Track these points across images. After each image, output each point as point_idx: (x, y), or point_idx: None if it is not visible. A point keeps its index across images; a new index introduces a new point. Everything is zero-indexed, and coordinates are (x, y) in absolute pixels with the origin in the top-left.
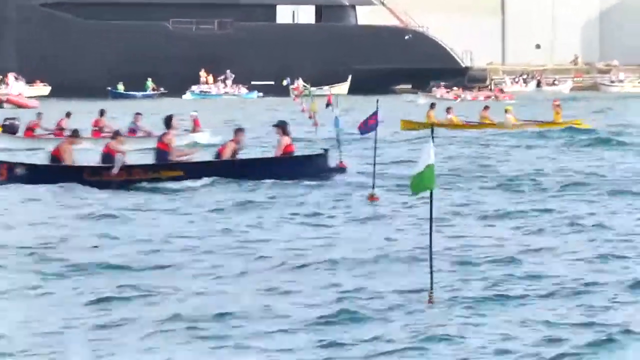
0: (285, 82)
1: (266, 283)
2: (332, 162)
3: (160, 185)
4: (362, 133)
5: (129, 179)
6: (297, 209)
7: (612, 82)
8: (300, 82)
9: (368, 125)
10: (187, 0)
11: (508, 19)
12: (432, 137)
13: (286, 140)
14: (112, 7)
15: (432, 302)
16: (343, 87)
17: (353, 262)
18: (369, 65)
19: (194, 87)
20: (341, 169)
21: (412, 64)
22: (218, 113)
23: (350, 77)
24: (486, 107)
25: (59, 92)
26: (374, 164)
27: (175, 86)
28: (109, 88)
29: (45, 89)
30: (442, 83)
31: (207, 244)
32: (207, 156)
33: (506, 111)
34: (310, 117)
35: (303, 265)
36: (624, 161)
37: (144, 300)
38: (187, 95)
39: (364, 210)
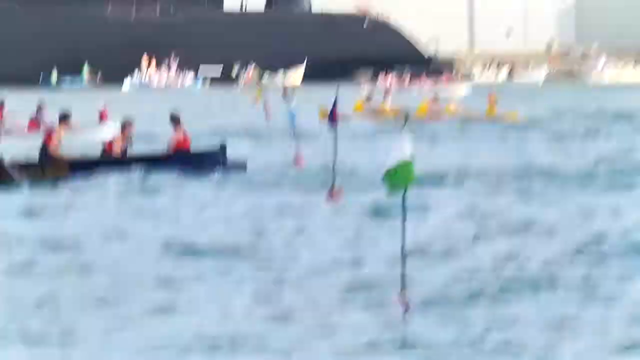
0: (235, 71)
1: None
2: (231, 158)
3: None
4: (331, 126)
5: (4, 179)
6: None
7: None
8: (251, 69)
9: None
10: None
11: (476, 2)
12: (405, 127)
13: (180, 134)
14: None
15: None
16: (298, 73)
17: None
18: (324, 54)
19: (135, 77)
20: (242, 165)
21: (372, 53)
22: (155, 106)
23: (305, 62)
24: (435, 99)
25: None
26: (335, 160)
27: (115, 75)
28: (41, 76)
29: None
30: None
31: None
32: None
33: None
34: (264, 110)
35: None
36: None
37: None
38: (126, 86)
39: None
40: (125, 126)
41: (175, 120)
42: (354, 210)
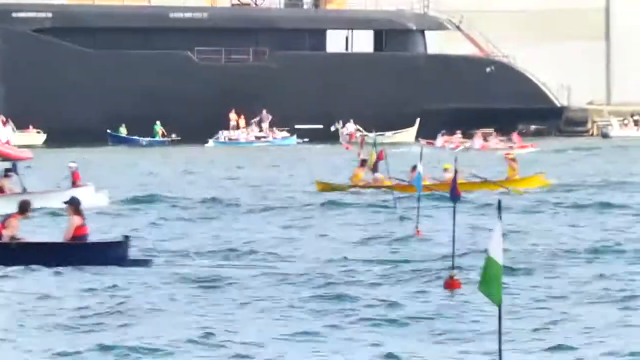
0: (335, 127)
1: None
2: (132, 251)
3: None
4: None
5: None
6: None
7: None
8: (350, 127)
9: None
10: (215, 25)
11: (613, 47)
12: (500, 212)
13: (77, 220)
14: (123, 32)
15: None
16: (410, 133)
17: None
18: (441, 104)
19: (221, 133)
20: (145, 261)
21: (495, 102)
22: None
23: (418, 121)
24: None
25: (55, 139)
26: (453, 236)
27: (199, 131)
28: (109, 131)
29: (39, 137)
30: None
31: None
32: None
33: (445, 170)
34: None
35: None
36: None
37: None
38: (210, 144)
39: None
40: (24, 207)
41: (73, 205)
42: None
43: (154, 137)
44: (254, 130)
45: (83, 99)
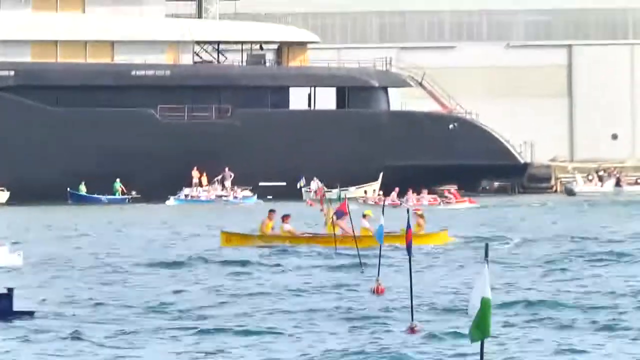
0: (301, 184)
1: None
2: (16, 304)
3: None
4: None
5: None
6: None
7: None
8: (314, 185)
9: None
10: (178, 82)
11: (577, 104)
12: (487, 256)
13: None
14: (86, 91)
15: None
16: (373, 188)
17: None
18: (404, 161)
19: (181, 191)
20: (29, 313)
21: (458, 159)
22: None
23: (381, 176)
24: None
25: (19, 197)
26: (411, 289)
27: (162, 189)
28: (69, 189)
29: (2, 195)
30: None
31: None
32: None
33: (364, 216)
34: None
35: None
36: None
37: None
38: (171, 201)
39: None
40: None
41: None
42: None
43: (114, 194)
44: (216, 189)
45: (46, 157)
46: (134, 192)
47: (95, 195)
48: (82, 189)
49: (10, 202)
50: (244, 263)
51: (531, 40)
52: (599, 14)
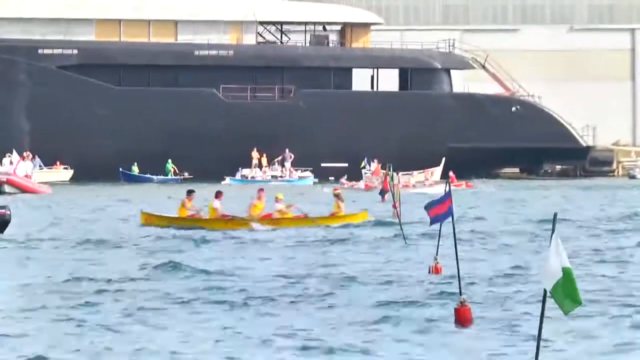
0: (364, 164)
1: None
2: None
3: None
4: (431, 222)
5: None
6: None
7: None
8: (375, 165)
9: (438, 215)
10: (241, 63)
11: (639, 87)
12: (554, 225)
13: None
14: (148, 69)
15: None
16: (436, 173)
17: None
18: (467, 143)
19: (239, 171)
20: None
21: (520, 142)
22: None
23: (444, 160)
24: (261, 190)
25: (83, 175)
26: (457, 263)
27: (222, 169)
28: (121, 169)
29: (66, 174)
30: (558, 166)
31: None
32: None
33: (276, 200)
34: (393, 207)
35: None
36: None
37: None
38: (226, 181)
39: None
40: None
41: None
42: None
43: (166, 175)
44: (276, 170)
45: (109, 136)
46: (186, 173)
47: (147, 175)
48: (135, 170)
49: (73, 179)
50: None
51: (594, 24)
52: None
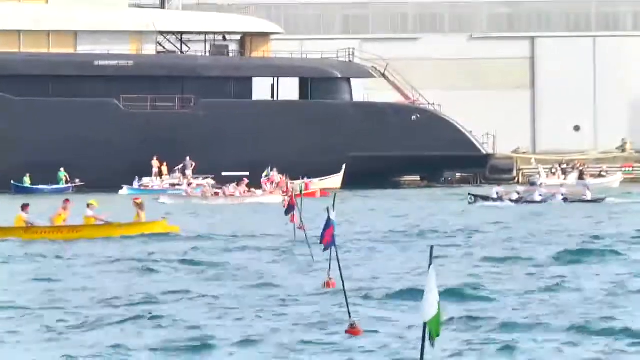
0: (265, 173)
1: None
2: None
3: None
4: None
5: None
6: None
7: None
8: (275, 173)
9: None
10: (142, 72)
11: (539, 96)
12: (431, 257)
13: None
14: (48, 80)
15: None
16: (336, 180)
17: None
18: (367, 152)
19: (135, 180)
20: None
21: (421, 150)
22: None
23: (344, 167)
24: (66, 200)
25: None
26: (343, 283)
27: (119, 178)
28: (12, 181)
29: None
30: (458, 174)
31: None
32: None
33: (88, 206)
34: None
35: None
36: None
37: None
38: (124, 191)
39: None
40: None
41: None
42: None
43: (57, 184)
44: (175, 178)
45: (8, 148)
46: (77, 180)
47: (39, 186)
48: (27, 181)
49: None
50: None
51: (494, 32)
52: (561, 5)
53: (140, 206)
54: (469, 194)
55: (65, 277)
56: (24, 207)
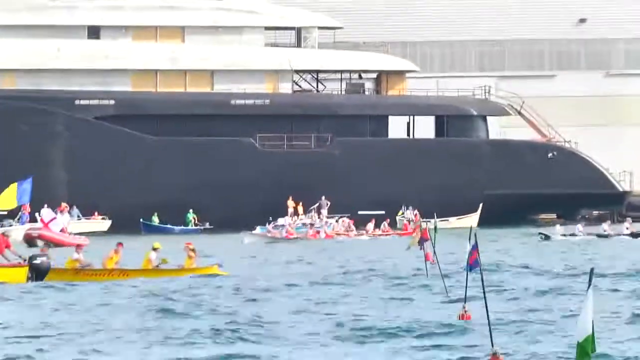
0: (402, 212)
1: None
2: None
3: None
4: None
5: None
6: None
7: None
8: (409, 213)
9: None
10: (278, 111)
11: None
12: (590, 280)
13: None
14: (185, 120)
15: None
16: (473, 219)
17: None
18: (503, 189)
19: (275, 221)
20: None
21: (557, 188)
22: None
23: (481, 206)
24: (119, 244)
25: (120, 226)
26: (487, 312)
27: (256, 218)
28: (141, 220)
29: (104, 224)
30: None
31: None
32: None
33: (154, 249)
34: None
35: None
36: None
37: None
38: (257, 231)
39: None
40: None
41: None
42: None
43: (186, 225)
44: (309, 217)
45: (145, 186)
46: (207, 223)
47: (167, 226)
48: (155, 220)
49: (111, 230)
50: None
51: (630, 69)
52: None
53: (192, 251)
54: (539, 233)
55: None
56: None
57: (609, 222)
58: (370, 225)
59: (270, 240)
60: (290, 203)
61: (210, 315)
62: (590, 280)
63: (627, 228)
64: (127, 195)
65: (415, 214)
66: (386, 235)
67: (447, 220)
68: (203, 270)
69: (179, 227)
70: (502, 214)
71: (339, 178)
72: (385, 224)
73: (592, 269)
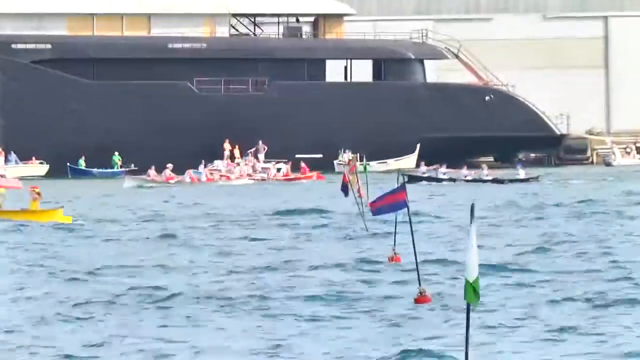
0: (341, 156)
1: None
2: None
3: None
4: (374, 214)
5: None
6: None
7: None
8: (347, 155)
9: (387, 205)
10: (214, 55)
11: (613, 75)
12: (471, 219)
13: None
14: (121, 63)
15: None
16: (410, 160)
17: None
18: (440, 132)
19: (206, 165)
20: None
21: (494, 130)
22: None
23: (418, 148)
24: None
25: (58, 170)
26: (415, 253)
27: (191, 162)
28: (68, 164)
29: (42, 168)
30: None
31: None
32: None
33: None
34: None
35: None
36: None
37: None
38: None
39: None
40: None
41: None
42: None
43: (112, 167)
44: (250, 162)
45: (82, 130)
46: (132, 165)
47: (93, 170)
48: (82, 164)
49: (49, 174)
50: None
51: (567, 12)
52: None
53: (38, 193)
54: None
55: None
56: None
57: (485, 166)
58: (273, 170)
59: (154, 185)
60: (227, 146)
61: None
62: (472, 216)
63: (486, 175)
64: (64, 140)
65: (352, 159)
66: (288, 179)
67: (385, 162)
68: (46, 213)
69: (98, 170)
70: (440, 156)
71: (276, 122)
72: (287, 168)
73: (472, 205)
